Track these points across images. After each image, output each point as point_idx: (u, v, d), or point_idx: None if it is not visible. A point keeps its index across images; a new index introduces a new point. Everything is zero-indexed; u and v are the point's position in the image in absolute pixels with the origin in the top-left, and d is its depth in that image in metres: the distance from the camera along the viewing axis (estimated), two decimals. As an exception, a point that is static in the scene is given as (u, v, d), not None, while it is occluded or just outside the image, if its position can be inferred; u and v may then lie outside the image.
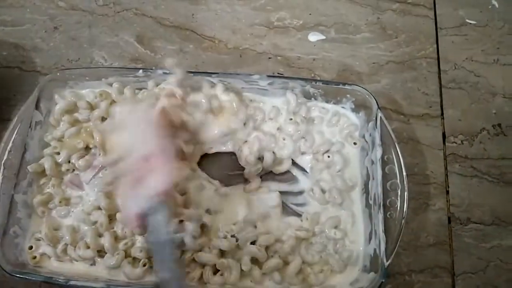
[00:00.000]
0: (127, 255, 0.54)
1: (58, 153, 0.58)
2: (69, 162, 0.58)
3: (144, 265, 0.53)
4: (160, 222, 0.44)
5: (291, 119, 0.61)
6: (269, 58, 0.70)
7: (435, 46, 0.71)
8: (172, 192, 0.47)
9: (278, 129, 0.61)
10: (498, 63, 0.70)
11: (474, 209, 0.62)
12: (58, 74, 0.61)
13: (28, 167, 0.57)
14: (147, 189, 0.44)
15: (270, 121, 0.62)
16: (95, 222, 0.55)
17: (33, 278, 0.52)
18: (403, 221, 0.53)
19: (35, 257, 0.55)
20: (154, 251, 0.45)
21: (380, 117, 0.57)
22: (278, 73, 0.68)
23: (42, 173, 0.58)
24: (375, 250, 0.53)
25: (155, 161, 0.45)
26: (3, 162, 0.55)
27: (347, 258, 0.55)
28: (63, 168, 0.58)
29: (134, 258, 0.54)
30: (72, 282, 0.51)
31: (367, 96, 0.59)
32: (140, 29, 0.71)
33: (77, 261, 0.55)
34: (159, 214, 0.44)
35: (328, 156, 0.59)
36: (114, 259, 0.53)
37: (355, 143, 0.61)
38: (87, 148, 0.59)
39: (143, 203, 0.44)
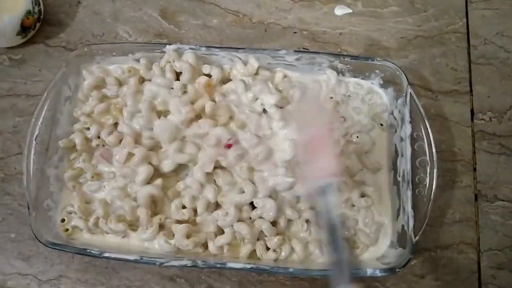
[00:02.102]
0: (161, 228, 0.55)
1: (88, 129, 0.59)
2: (98, 137, 0.59)
3: None
4: (331, 203, 0.44)
5: (331, 97, 0.60)
6: (295, 32, 0.69)
7: (465, 20, 0.69)
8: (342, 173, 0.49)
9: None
10: (530, 38, 0.68)
11: (501, 186, 0.61)
12: (85, 49, 0.61)
13: (59, 142, 0.57)
14: (319, 170, 0.45)
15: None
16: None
17: (68, 250, 0.53)
18: (432, 198, 0.53)
19: (67, 230, 0.56)
20: (325, 232, 0.44)
21: (410, 93, 0.56)
22: (303, 48, 0.67)
23: (73, 148, 0.59)
24: (403, 226, 0.54)
25: (326, 143, 0.47)
26: (34, 137, 0.56)
27: (376, 230, 0.55)
28: (93, 143, 0.59)
29: (169, 232, 0.55)
30: (106, 254, 0.52)
31: (397, 72, 0.58)
32: (163, 3, 0.70)
33: (108, 233, 0.56)
34: (330, 195, 0.44)
35: (357, 137, 0.59)
36: (149, 232, 0.54)
37: (381, 124, 0.60)
38: (116, 124, 0.59)
39: (313, 184, 0.45)
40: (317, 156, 0.46)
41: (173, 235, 0.54)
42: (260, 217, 0.54)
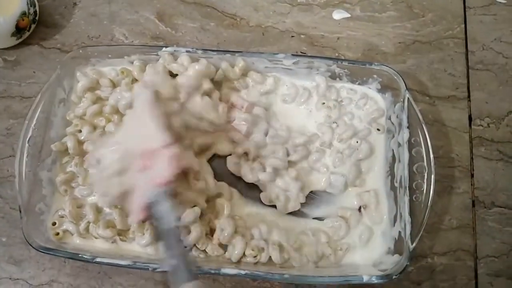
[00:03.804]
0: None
1: (80, 131, 0.58)
2: (91, 140, 0.58)
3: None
4: (166, 211, 0.46)
5: (323, 103, 0.60)
6: (292, 36, 0.68)
7: (463, 26, 0.69)
8: (177, 180, 0.48)
9: (310, 111, 0.61)
10: (528, 44, 0.68)
11: (498, 193, 0.61)
12: (80, 51, 0.60)
13: (52, 146, 0.57)
14: (151, 180, 0.46)
15: (302, 104, 0.61)
16: None
17: (60, 255, 0.52)
18: (429, 205, 0.53)
19: (58, 234, 0.55)
20: (162, 239, 0.46)
21: (408, 98, 0.56)
22: (301, 52, 0.67)
23: (65, 151, 0.58)
24: (400, 232, 0.53)
25: (156, 154, 0.47)
26: (27, 139, 0.55)
27: (371, 235, 0.56)
28: (85, 146, 0.58)
29: None
30: (98, 259, 0.51)
31: (395, 77, 0.57)
32: (160, 5, 0.70)
33: (97, 238, 0.56)
34: (164, 203, 0.46)
35: (357, 142, 0.58)
36: (146, 237, 0.53)
37: (378, 129, 0.60)
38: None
39: (148, 194, 0.46)
40: (147, 167, 0.47)
41: None
42: None
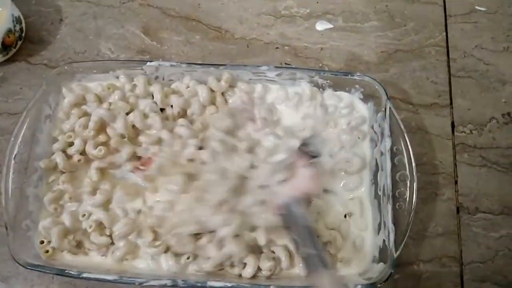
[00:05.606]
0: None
1: (72, 144, 0.58)
2: (80, 154, 0.58)
3: (188, 258, 0.54)
4: (300, 212, 0.51)
5: (311, 113, 0.61)
6: (276, 48, 0.69)
7: (444, 34, 0.70)
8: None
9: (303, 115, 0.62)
10: (508, 50, 0.69)
11: (482, 198, 0.62)
12: (66, 67, 0.61)
13: (40, 162, 0.57)
14: (292, 189, 0.53)
15: (292, 107, 0.62)
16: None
17: (46, 271, 0.52)
18: (412, 212, 0.53)
19: (47, 251, 0.55)
20: (297, 235, 0.50)
21: (389, 107, 0.57)
22: (285, 63, 0.68)
23: (51, 169, 0.58)
24: (384, 241, 0.54)
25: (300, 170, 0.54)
26: (14, 156, 0.55)
27: (358, 245, 0.56)
28: (75, 159, 0.57)
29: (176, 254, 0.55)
30: (84, 275, 0.51)
31: (376, 87, 0.58)
32: (146, 20, 0.71)
33: (88, 253, 0.56)
34: (299, 207, 0.51)
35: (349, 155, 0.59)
36: (156, 249, 0.54)
37: (359, 138, 0.60)
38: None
39: (286, 198, 0.52)
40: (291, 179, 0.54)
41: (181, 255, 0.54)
42: None
